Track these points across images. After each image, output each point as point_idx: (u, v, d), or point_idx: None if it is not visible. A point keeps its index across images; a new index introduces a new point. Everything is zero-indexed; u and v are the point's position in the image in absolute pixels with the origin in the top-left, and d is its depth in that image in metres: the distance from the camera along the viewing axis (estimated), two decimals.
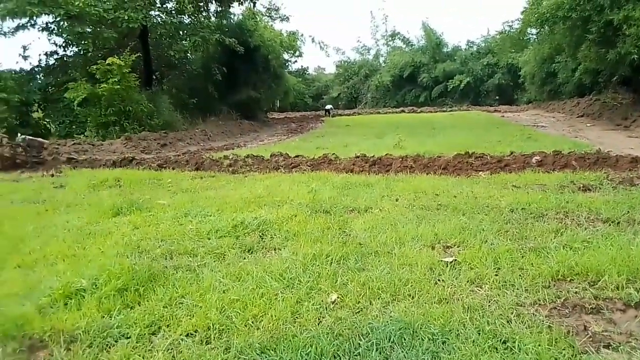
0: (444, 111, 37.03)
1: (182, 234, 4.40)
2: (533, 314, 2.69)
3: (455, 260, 3.46)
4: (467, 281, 3.12)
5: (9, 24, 18.59)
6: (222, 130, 22.21)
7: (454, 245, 3.84)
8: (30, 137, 11.82)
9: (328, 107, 41.41)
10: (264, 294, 2.98)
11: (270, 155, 10.42)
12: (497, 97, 42.18)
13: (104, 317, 2.81)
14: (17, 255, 4.05)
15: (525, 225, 4.27)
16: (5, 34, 19.06)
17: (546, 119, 23.53)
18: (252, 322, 2.67)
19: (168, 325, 2.70)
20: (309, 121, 32.74)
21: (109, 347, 2.52)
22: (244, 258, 3.75)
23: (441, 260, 3.45)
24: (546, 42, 24.07)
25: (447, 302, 2.83)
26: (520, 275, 3.19)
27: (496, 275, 3.20)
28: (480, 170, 7.68)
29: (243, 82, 27.16)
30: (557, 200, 5.16)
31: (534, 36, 29.12)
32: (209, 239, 4.25)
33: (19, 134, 12.10)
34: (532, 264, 3.34)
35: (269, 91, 31.00)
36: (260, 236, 4.29)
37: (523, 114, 29.14)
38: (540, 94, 32.24)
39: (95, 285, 3.13)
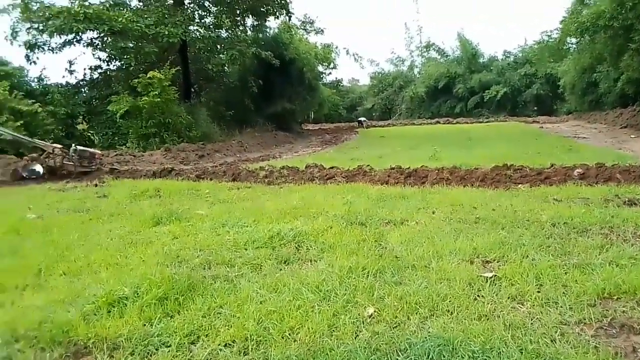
0: (480, 122, 36.52)
1: (219, 244, 4.47)
2: (578, 333, 2.59)
3: (495, 275, 3.38)
4: (508, 297, 3.04)
5: (57, 40, 19.54)
6: (257, 142, 22.53)
7: (494, 260, 3.76)
8: (82, 148, 12.32)
9: (361, 119, 41.45)
10: (300, 305, 2.99)
11: (305, 167, 10.48)
12: (535, 108, 41.30)
13: (145, 325, 2.87)
14: (63, 263, 4.19)
15: (568, 241, 4.13)
16: (53, 49, 20.00)
17: (587, 130, 22.83)
18: (289, 334, 2.68)
19: (207, 335, 2.73)
20: (343, 132, 32.81)
21: (150, 355, 2.58)
22: (281, 269, 3.77)
23: (480, 276, 3.37)
24: (586, 51, 23.51)
25: (488, 319, 2.76)
26: (563, 292, 3.08)
27: (538, 292, 3.11)
28: (519, 183, 7.49)
29: (278, 94, 27.54)
30: (601, 214, 4.98)
31: (574, 45, 28.51)
32: (246, 249, 4.29)
33: (73, 145, 12.62)
34: (576, 280, 3.22)
35: (304, 103, 31.32)
36: (296, 247, 4.31)
37: (563, 124, 28.37)
38: (581, 105, 31.37)
39: (137, 294, 3.20)
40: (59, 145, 12.13)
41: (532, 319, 2.76)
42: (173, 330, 2.77)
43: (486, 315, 2.81)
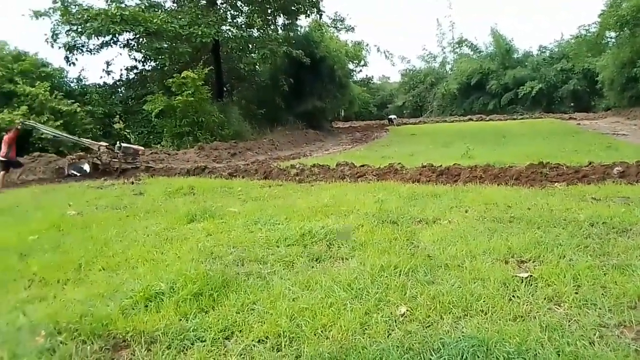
0: (514, 119, 35.71)
1: (252, 242, 4.53)
2: (618, 336, 2.52)
3: (531, 276, 3.31)
4: (545, 298, 2.98)
5: (95, 41, 20.13)
6: (288, 140, 22.67)
7: (529, 260, 3.68)
8: (126, 145, 12.85)
9: (392, 116, 41.15)
10: (332, 303, 3.00)
11: (336, 165, 10.49)
12: (571, 104, 40.09)
13: (181, 320, 2.94)
14: (102, 258, 4.34)
15: (607, 241, 4.01)
16: (91, 51, 20.64)
17: (627, 126, 22.02)
18: (322, 332, 2.69)
19: (240, 331, 2.78)
20: (373, 130, 32.66)
21: (186, 350, 2.64)
22: (312, 267, 3.80)
23: (516, 276, 3.31)
24: (626, 45, 22.69)
25: (523, 320, 2.71)
26: (602, 294, 3.00)
27: (576, 293, 3.03)
28: (555, 181, 7.31)
29: (309, 93, 27.63)
30: None
31: (613, 39, 27.57)
32: (278, 247, 4.34)
33: (117, 142, 13.12)
34: (615, 282, 3.13)
35: (334, 101, 31.30)
36: (327, 245, 4.33)
37: (601, 121, 27.45)
38: (620, 101, 30.28)
39: (173, 289, 3.28)
40: (105, 143, 12.63)
41: (569, 321, 2.70)
42: (208, 325, 2.83)
43: (522, 316, 2.76)
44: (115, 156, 12.15)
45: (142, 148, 13.45)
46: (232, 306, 3.07)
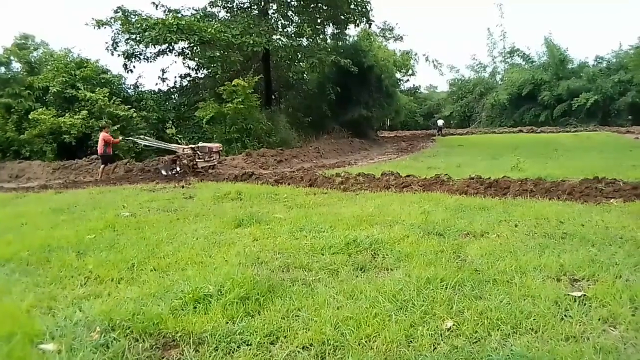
0: (567, 131, 34.35)
1: (297, 248, 4.58)
2: None
3: (585, 295, 3.19)
4: (599, 319, 2.86)
5: (151, 50, 20.97)
6: (333, 148, 22.74)
7: (583, 279, 3.55)
8: (202, 144, 13.58)
9: (440, 122, 40.51)
10: (377, 314, 3.00)
11: (381, 174, 10.45)
12: (629, 117, 38.16)
13: (228, 322, 3.01)
14: (154, 259, 4.50)
15: None
16: (148, 59, 21.50)
17: None
18: (366, 342, 2.69)
19: (285, 337, 2.82)
20: (419, 140, 32.29)
21: (233, 352, 2.70)
22: (357, 276, 3.80)
23: (568, 294, 3.20)
24: None
25: (576, 341, 2.61)
26: None
27: (633, 315, 2.90)
28: (611, 197, 7.00)
29: (355, 101, 27.65)
30: None
31: None
32: (323, 254, 4.37)
33: (198, 143, 13.86)
34: None
35: (381, 110, 31.16)
36: (372, 255, 4.32)
37: None
38: None
39: (221, 292, 3.36)
40: (188, 146, 13.30)
41: (625, 344, 2.59)
42: (254, 329, 2.88)
43: (574, 337, 2.66)
44: (199, 156, 12.78)
45: (215, 145, 13.90)
46: (277, 311, 3.12)
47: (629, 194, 7.09)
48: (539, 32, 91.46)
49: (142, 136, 15.53)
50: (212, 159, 13.15)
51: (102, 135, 13.93)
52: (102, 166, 14.09)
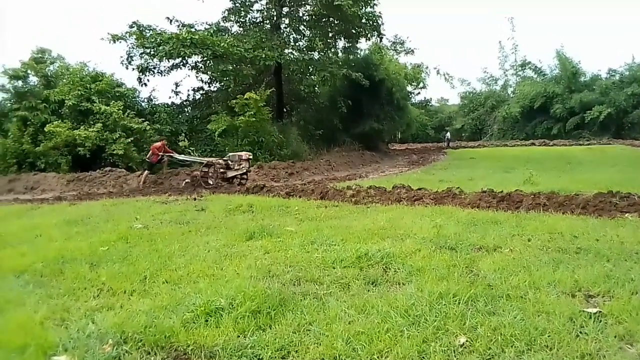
0: (580, 145, 34.01)
1: (308, 262, 4.58)
2: None
3: (600, 311, 3.14)
4: (615, 337, 2.82)
5: (165, 64, 21.27)
6: (344, 161, 22.75)
7: (598, 295, 3.50)
8: (232, 154, 13.80)
9: (447, 135, 40.54)
10: (389, 329, 2.98)
11: (392, 187, 10.41)
12: None
13: (239, 336, 3.01)
14: (166, 271, 4.52)
15: None
16: (162, 72, 21.80)
17: None
18: (378, 358, 2.68)
19: (297, 351, 2.81)
20: (430, 153, 32.17)
21: None
22: (369, 290, 3.78)
23: (583, 311, 3.15)
24: None
25: (592, 359, 2.58)
26: None
27: None
28: (626, 212, 6.89)
29: (366, 114, 27.72)
30: None
31: None
32: (334, 268, 4.36)
33: (229, 154, 14.24)
34: None
35: (392, 123, 31.15)
36: (384, 269, 4.30)
37: None
38: None
39: (232, 305, 3.37)
40: (220, 159, 13.69)
41: None
42: (265, 343, 2.88)
43: (590, 354, 2.62)
44: (232, 167, 12.99)
45: (245, 153, 13.99)
46: (288, 325, 3.11)
47: None
48: (551, 45, 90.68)
49: (182, 155, 16.16)
50: (241, 166, 13.31)
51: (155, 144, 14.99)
52: (145, 172, 14.98)
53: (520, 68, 48.62)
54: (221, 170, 13.11)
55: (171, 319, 3.29)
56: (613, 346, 2.72)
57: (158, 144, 15.04)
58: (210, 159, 14.11)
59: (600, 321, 3.03)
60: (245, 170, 13.52)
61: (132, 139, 17.94)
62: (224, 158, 13.71)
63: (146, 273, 4.43)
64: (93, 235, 6.35)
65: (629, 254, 4.48)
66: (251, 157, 14.16)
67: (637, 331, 2.86)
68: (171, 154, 15.25)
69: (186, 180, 14.07)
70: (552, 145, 35.14)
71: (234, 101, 18.73)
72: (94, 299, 3.90)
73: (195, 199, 10.01)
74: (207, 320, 3.24)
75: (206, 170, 13.45)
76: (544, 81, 44.45)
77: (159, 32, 19.80)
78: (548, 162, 19.58)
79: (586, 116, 38.95)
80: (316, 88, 27.12)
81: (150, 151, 14.87)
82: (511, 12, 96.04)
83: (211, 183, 12.92)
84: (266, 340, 2.91)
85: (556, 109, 40.91)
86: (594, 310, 3.16)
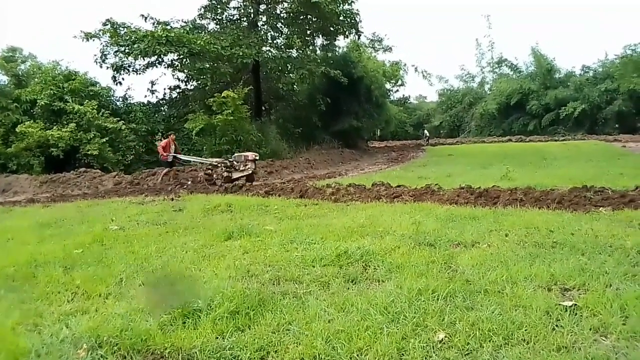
0: (555, 140, 34.70)
1: (288, 261, 4.55)
2: None
3: (576, 304, 3.18)
4: (590, 329, 2.86)
5: (141, 62, 20.96)
6: (324, 159, 22.76)
7: (573, 288, 3.55)
8: (237, 154, 13.38)
9: (426, 132, 40.96)
10: (369, 326, 2.97)
11: (372, 185, 10.44)
12: (616, 126, 38.71)
13: (217, 338, 2.97)
14: (142, 273, 4.44)
15: None
16: (137, 71, 21.47)
17: None
18: (358, 356, 2.66)
19: (276, 351, 2.78)
20: (409, 150, 32.40)
21: None
22: (348, 288, 3.77)
23: (559, 304, 3.19)
24: None
25: (568, 351, 2.61)
26: None
27: (624, 324, 2.90)
28: (600, 206, 7.04)
29: (345, 112, 27.77)
30: None
31: None
32: (314, 266, 4.34)
33: (234, 153, 13.92)
34: None
35: (371, 120, 31.31)
36: (363, 267, 4.30)
37: None
38: None
39: (210, 307, 3.32)
40: (225, 160, 13.33)
41: (616, 353, 2.58)
42: (244, 344, 2.84)
43: (566, 347, 2.66)
44: (237, 168, 12.71)
45: (250, 154, 13.42)
46: (267, 325, 3.08)
47: (617, 202, 7.13)
48: (526, 42, 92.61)
49: (186, 156, 15.64)
50: (247, 167, 12.86)
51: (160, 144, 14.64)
52: (165, 169, 14.63)
53: (496, 65, 49.45)
54: (226, 171, 12.69)
55: (148, 322, 3.22)
56: (588, 338, 2.76)
57: (163, 142, 14.60)
58: (215, 160, 13.68)
59: (576, 314, 3.07)
60: (251, 172, 13.00)
61: (107, 138, 17.66)
62: (230, 159, 13.29)
63: (122, 275, 4.34)
64: (67, 238, 6.20)
65: (603, 247, 4.56)
66: (257, 157, 13.55)
67: (611, 323, 2.90)
68: (175, 155, 14.74)
69: (187, 183, 13.65)
70: (528, 141, 35.76)
71: (212, 99, 18.54)
72: (68, 303, 3.80)
73: (172, 200, 9.88)
74: (184, 323, 3.18)
75: (210, 171, 13.05)
76: (519, 78, 45.27)
77: (134, 29, 19.49)
78: (524, 157, 19.90)
79: (561, 112, 39.79)
80: (295, 86, 27.07)
81: (160, 150, 14.40)
82: (488, 10, 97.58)
83: (217, 184, 12.42)
84: (245, 341, 2.88)
85: (532, 105, 41.68)
86: (570, 303, 3.20)
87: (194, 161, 15.18)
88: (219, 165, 12.92)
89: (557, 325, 2.93)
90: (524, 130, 41.85)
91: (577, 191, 8.06)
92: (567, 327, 2.88)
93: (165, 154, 14.02)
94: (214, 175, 12.88)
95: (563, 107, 39.81)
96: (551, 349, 2.64)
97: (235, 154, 13.44)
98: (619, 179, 10.27)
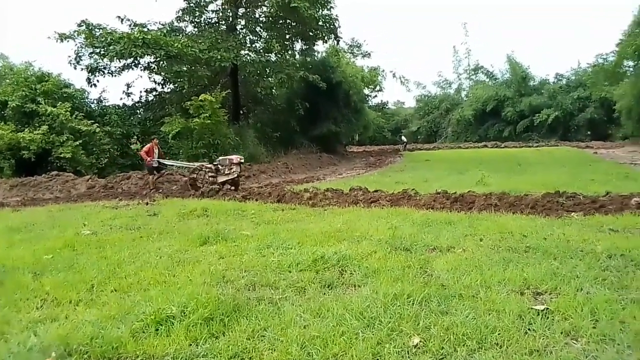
0: (529, 146, 35.46)
1: (264, 266, 4.51)
2: None
3: (547, 308, 3.23)
4: (561, 332, 2.90)
5: (116, 64, 20.61)
6: (302, 163, 22.75)
7: (545, 292, 3.61)
8: (222, 158, 13.05)
9: (404, 137, 41.34)
10: (344, 332, 2.96)
11: (350, 189, 10.47)
12: (588, 133, 39.82)
13: (191, 345, 2.92)
14: (115, 279, 4.35)
15: (625, 274, 3.91)
16: (112, 73, 21.13)
17: None
18: None
19: (251, 358, 2.75)
20: (387, 155, 32.65)
21: None
22: (324, 293, 3.76)
23: (531, 308, 3.24)
24: None
25: (540, 355, 2.64)
26: (621, 329, 2.91)
27: (594, 327, 2.95)
28: (572, 211, 7.20)
29: (324, 117, 27.86)
30: None
31: (631, 69, 27.50)
32: (290, 272, 4.31)
33: (218, 158, 13.53)
34: (634, 317, 3.04)
35: (349, 125, 31.45)
36: (339, 272, 4.29)
37: (618, 150, 27.17)
38: (638, 130, 30.05)
39: (184, 313, 3.27)
40: (209, 164, 12.93)
41: (587, 357, 2.62)
42: (218, 351, 2.80)
43: (538, 351, 2.69)
44: (222, 172, 12.40)
45: (235, 157, 13.09)
46: (242, 332, 3.04)
47: (588, 208, 7.31)
48: (502, 50, 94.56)
49: (170, 161, 15.20)
50: (232, 171, 12.50)
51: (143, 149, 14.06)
52: (150, 177, 14.02)
53: (473, 72, 50.33)
54: (211, 175, 12.34)
55: (119, 329, 3.16)
56: (560, 342, 2.80)
57: (146, 147, 14.00)
58: (199, 164, 13.32)
59: (548, 318, 3.11)
60: (236, 175, 12.68)
61: (80, 141, 17.30)
62: (214, 162, 12.96)
63: (93, 281, 4.25)
64: (37, 243, 6.04)
65: (574, 251, 4.65)
66: (242, 160, 13.31)
67: (582, 326, 2.95)
68: (158, 160, 14.20)
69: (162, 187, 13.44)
70: (503, 147, 36.44)
71: (189, 103, 18.36)
72: (37, 310, 3.70)
73: (147, 204, 9.73)
74: (157, 329, 3.12)
75: (195, 175, 12.71)
76: (495, 85, 46.19)
77: (110, 31, 19.19)
78: (500, 163, 20.24)
79: (535, 119, 40.73)
80: (273, 90, 27.00)
81: (143, 155, 13.85)
82: (464, 18, 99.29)
83: (202, 189, 12.06)
84: (219, 348, 2.84)
85: (507, 112, 42.55)
86: (542, 307, 3.25)
87: (177, 166, 14.86)
88: (203, 169, 12.62)
89: (529, 329, 2.97)
90: (500, 137, 42.68)
91: (550, 196, 8.22)
92: (539, 331, 2.92)
93: (149, 159, 13.55)
94: (198, 180, 12.57)
95: (537, 114, 40.76)
96: (524, 352, 2.67)
97: (220, 158, 13.12)
98: (591, 185, 10.51)
